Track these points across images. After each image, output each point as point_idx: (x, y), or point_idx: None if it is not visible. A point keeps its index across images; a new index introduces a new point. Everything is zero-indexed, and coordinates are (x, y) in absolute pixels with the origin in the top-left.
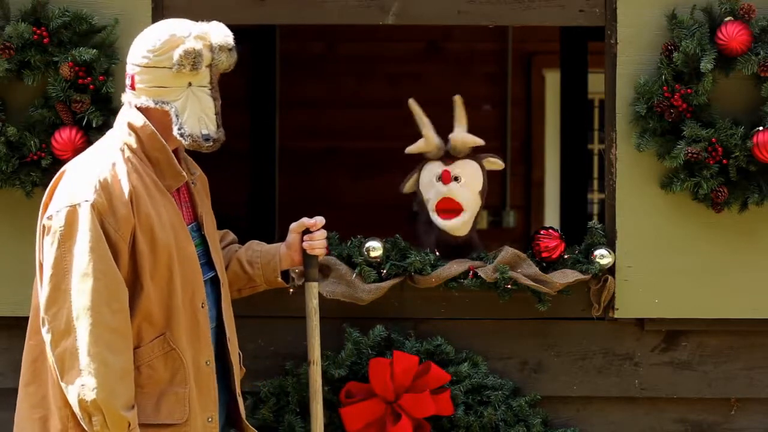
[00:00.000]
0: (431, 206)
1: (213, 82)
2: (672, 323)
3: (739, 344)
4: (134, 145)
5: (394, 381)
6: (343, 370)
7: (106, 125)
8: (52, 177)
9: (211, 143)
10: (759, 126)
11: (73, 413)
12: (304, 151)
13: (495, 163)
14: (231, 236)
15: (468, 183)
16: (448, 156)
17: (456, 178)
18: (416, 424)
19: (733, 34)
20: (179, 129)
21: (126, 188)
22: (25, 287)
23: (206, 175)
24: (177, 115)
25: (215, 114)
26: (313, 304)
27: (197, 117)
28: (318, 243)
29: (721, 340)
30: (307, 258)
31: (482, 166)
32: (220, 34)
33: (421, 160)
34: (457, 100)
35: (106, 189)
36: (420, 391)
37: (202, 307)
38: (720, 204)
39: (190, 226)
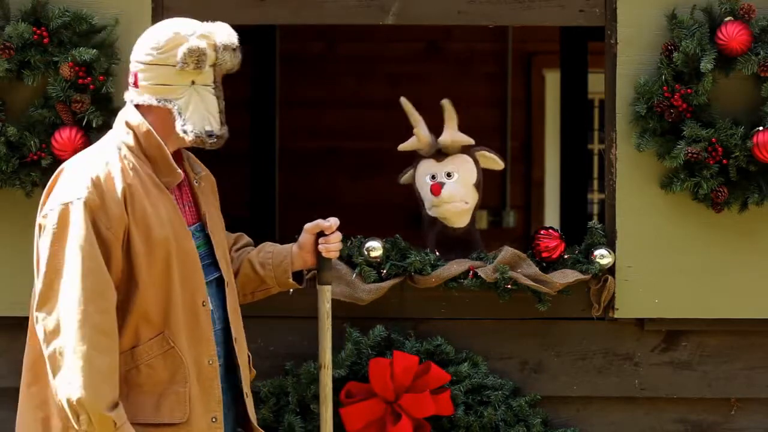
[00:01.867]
0: (426, 206)
1: (216, 82)
2: (672, 323)
3: (739, 344)
4: (131, 143)
5: (394, 381)
6: (343, 370)
7: (106, 125)
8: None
9: (215, 140)
10: (759, 126)
11: None
12: (304, 151)
13: (491, 159)
14: (245, 239)
15: (462, 177)
16: (441, 153)
17: (449, 174)
18: (416, 424)
19: (733, 34)
20: (182, 126)
21: (119, 186)
22: (25, 287)
23: None
24: (180, 113)
25: (219, 112)
26: (325, 307)
27: (200, 115)
28: (333, 246)
29: (721, 340)
30: (321, 260)
31: (476, 160)
32: (224, 33)
33: (415, 156)
34: (446, 104)
35: (98, 187)
36: (420, 391)
37: (204, 305)
38: (720, 204)
39: (193, 226)
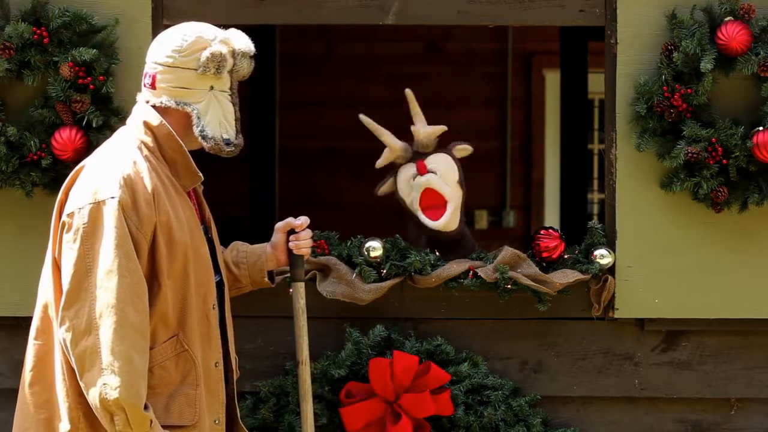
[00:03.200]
0: (415, 206)
1: (233, 88)
2: (672, 323)
3: (739, 344)
4: (150, 144)
5: (394, 381)
6: (343, 370)
7: (106, 125)
8: (52, 177)
9: (232, 148)
10: (759, 126)
11: (86, 415)
12: (304, 151)
13: (464, 149)
14: None
15: (444, 175)
16: (418, 155)
17: (432, 173)
18: (416, 424)
19: (733, 34)
20: (201, 131)
21: (149, 186)
22: (26, 287)
23: (206, 175)
24: (199, 117)
25: (235, 120)
26: (300, 304)
27: (218, 121)
28: (304, 243)
29: (721, 340)
30: (293, 258)
31: (453, 156)
32: (242, 40)
33: (393, 167)
34: (409, 94)
35: (130, 186)
36: (420, 391)
37: (213, 308)
38: (720, 204)
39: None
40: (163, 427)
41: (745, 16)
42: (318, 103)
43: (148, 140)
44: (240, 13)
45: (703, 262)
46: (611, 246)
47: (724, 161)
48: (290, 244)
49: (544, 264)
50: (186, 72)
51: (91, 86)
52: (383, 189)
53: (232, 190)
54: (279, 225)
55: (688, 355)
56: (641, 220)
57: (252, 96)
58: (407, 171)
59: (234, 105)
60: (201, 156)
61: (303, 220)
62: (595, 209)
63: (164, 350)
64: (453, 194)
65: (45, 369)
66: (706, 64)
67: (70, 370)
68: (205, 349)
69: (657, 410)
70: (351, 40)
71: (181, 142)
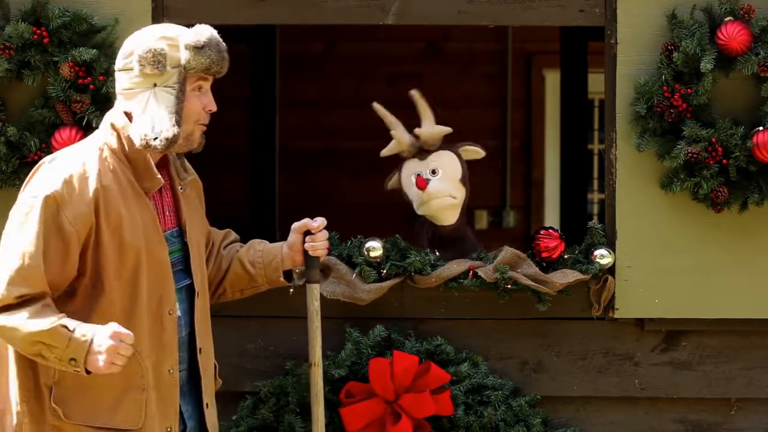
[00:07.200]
0: (416, 205)
1: (181, 81)
2: (672, 323)
3: (739, 344)
4: (114, 145)
5: (394, 381)
6: (343, 370)
7: None
8: None
9: (161, 141)
10: (759, 126)
11: (30, 410)
12: (304, 151)
13: (473, 151)
14: (233, 236)
15: (446, 173)
16: (423, 151)
17: (434, 171)
18: (416, 424)
19: (733, 34)
20: (131, 130)
21: (92, 187)
22: None
23: (206, 175)
24: (135, 117)
25: (173, 112)
26: (314, 306)
27: (151, 117)
28: (320, 244)
29: (721, 340)
30: (308, 259)
31: (458, 155)
32: (191, 33)
33: (399, 160)
34: (415, 94)
35: (70, 185)
36: (420, 391)
37: (170, 314)
38: (720, 204)
39: (170, 231)
40: (108, 429)
41: (745, 16)
42: (318, 103)
43: (113, 140)
44: (240, 13)
45: (703, 262)
46: (611, 246)
47: (724, 161)
48: (306, 245)
49: (544, 264)
50: (129, 73)
51: (91, 86)
52: (392, 183)
53: (232, 190)
54: (296, 225)
55: (688, 355)
56: (641, 220)
57: (252, 96)
58: (411, 167)
59: (177, 98)
60: (201, 156)
61: (320, 222)
62: (595, 209)
63: None
64: (454, 190)
65: (2, 361)
66: (706, 64)
67: (17, 363)
68: (158, 354)
69: (657, 410)
70: (351, 40)
71: None
